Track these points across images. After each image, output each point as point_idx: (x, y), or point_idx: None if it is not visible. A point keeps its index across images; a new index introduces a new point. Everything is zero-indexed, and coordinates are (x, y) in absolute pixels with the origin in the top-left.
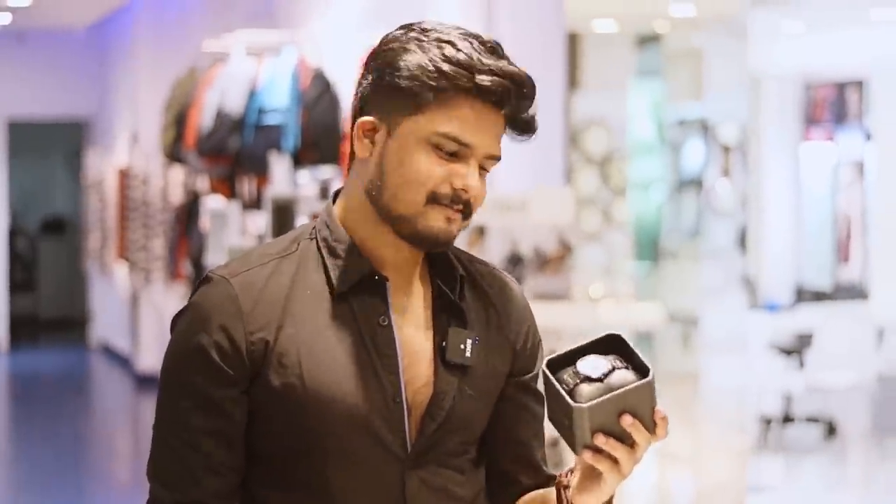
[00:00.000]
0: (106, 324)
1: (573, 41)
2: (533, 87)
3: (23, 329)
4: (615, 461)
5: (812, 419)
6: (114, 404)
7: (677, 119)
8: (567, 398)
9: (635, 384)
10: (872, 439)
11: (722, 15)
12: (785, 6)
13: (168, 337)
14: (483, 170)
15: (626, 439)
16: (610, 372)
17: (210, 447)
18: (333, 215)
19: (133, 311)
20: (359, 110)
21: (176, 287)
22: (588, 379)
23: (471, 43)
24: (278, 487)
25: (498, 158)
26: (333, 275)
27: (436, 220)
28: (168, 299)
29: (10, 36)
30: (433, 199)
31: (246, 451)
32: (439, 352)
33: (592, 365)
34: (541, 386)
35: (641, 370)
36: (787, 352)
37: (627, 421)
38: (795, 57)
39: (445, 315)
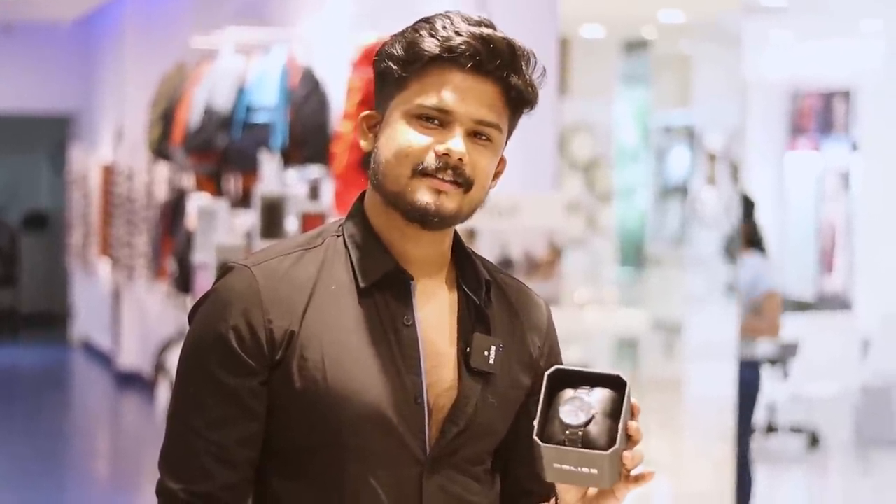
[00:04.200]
0: (87, 320)
1: (560, 46)
2: (516, 53)
3: (2, 324)
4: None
5: (795, 429)
6: (94, 402)
7: (663, 126)
8: (593, 452)
9: (626, 397)
10: (855, 450)
11: (711, 22)
12: (774, 15)
13: (147, 332)
14: (480, 137)
15: (631, 442)
16: (591, 405)
17: (223, 438)
18: (359, 213)
19: (115, 308)
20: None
21: (159, 285)
22: (587, 423)
23: (451, 19)
24: (294, 480)
25: (492, 125)
26: (358, 270)
27: (422, 193)
28: (151, 297)
29: None
30: (419, 171)
31: (263, 443)
32: (463, 357)
33: (576, 408)
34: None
35: (602, 381)
36: (771, 361)
37: (634, 426)
38: (783, 66)
39: (470, 320)
